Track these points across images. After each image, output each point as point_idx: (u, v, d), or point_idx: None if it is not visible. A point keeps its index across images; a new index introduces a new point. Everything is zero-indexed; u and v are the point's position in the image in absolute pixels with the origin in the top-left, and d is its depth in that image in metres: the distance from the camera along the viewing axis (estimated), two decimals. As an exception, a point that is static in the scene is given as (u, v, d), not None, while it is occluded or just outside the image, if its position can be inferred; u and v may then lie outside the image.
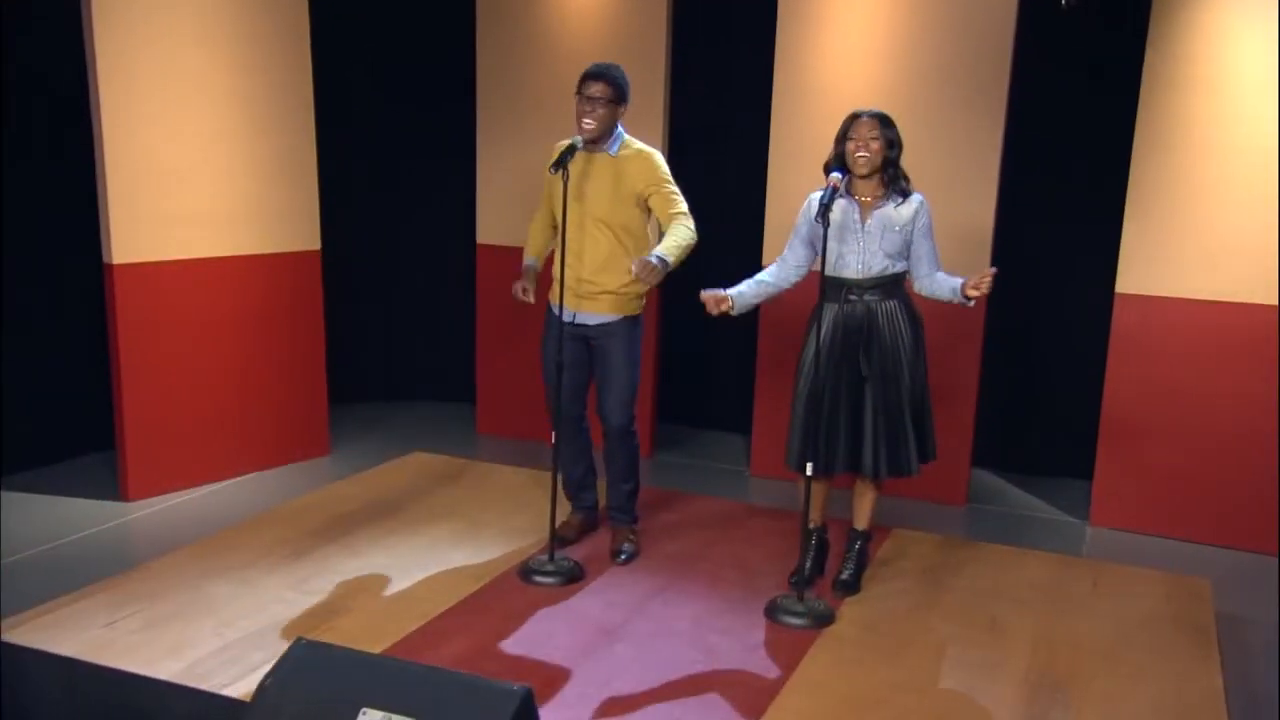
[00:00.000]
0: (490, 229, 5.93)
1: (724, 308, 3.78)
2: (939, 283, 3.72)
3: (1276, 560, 4.58)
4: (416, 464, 5.20)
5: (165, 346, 4.85)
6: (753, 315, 5.48)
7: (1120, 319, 4.84)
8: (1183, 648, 3.60)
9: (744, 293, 3.84)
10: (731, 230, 5.60)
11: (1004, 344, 5.39)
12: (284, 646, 3.35)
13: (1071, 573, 4.19)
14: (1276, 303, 4.55)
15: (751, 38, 5.55)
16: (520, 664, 3.35)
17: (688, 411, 6.26)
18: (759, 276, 3.91)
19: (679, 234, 3.83)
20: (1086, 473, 5.12)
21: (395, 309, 6.72)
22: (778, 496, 5.06)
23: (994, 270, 3.61)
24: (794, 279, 3.89)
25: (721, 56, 5.88)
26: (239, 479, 5.20)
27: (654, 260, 3.67)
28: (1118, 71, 4.85)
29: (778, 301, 5.22)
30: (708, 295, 3.77)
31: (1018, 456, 5.61)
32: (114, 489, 4.87)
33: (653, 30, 5.40)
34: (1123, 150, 4.75)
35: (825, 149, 5.00)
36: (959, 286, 3.64)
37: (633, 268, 3.69)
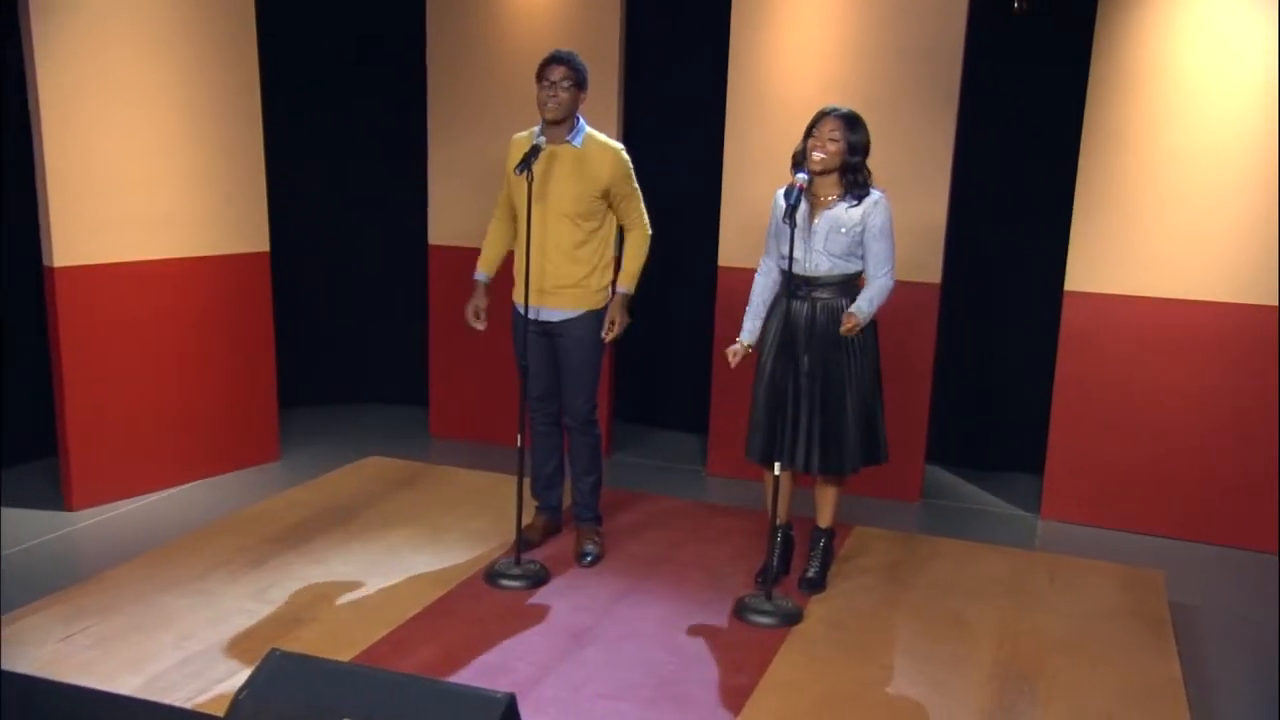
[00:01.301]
0: (442, 229, 5.87)
1: (744, 353, 3.86)
2: (863, 291, 3.73)
3: (1233, 551, 4.72)
4: (372, 468, 5.12)
5: (109, 351, 4.72)
6: (708, 315, 5.52)
7: (1069, 316, 4.94)
8: (1140, 637, 3.68)
9: (754, 329, 3.90)
10: (686, 228, 5.62)
11: (955, 341, 5.47)
12: (247, 658, 3.30)
13: (1029, 566, 4.26)
14: (1221, 300, 4.68)
15: (705, 35, 5.56)
16: (492, 670, 3.31)
17: (642, 411, 6.26)
18: (754, 298, 3.93)
19: (639, 252, 4.02)
20: (1037, 467, 5.22)
21: (345, 311, 6.62)
22: (736, 495, 5.08)
23: (850, 326, 3.58)
24: (780, 279, 3.88)
25: (675, 54, 5.88)
26: (187, 486, 5.07)
27: (620, 315, 3.97)
28: (1067, 72, 4.94)
29: (732, 301, 5.27)
30: (732, 357, 3.86)
31: (969, 452, 5.70)
32: (57, 498, 4.73)
33: (606, 28, 5.39)
34: (1073, 150, 4.84)
35: (780, 146, 5.04)
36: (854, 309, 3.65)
37: (607, 331, 3.92)
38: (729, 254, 5.37)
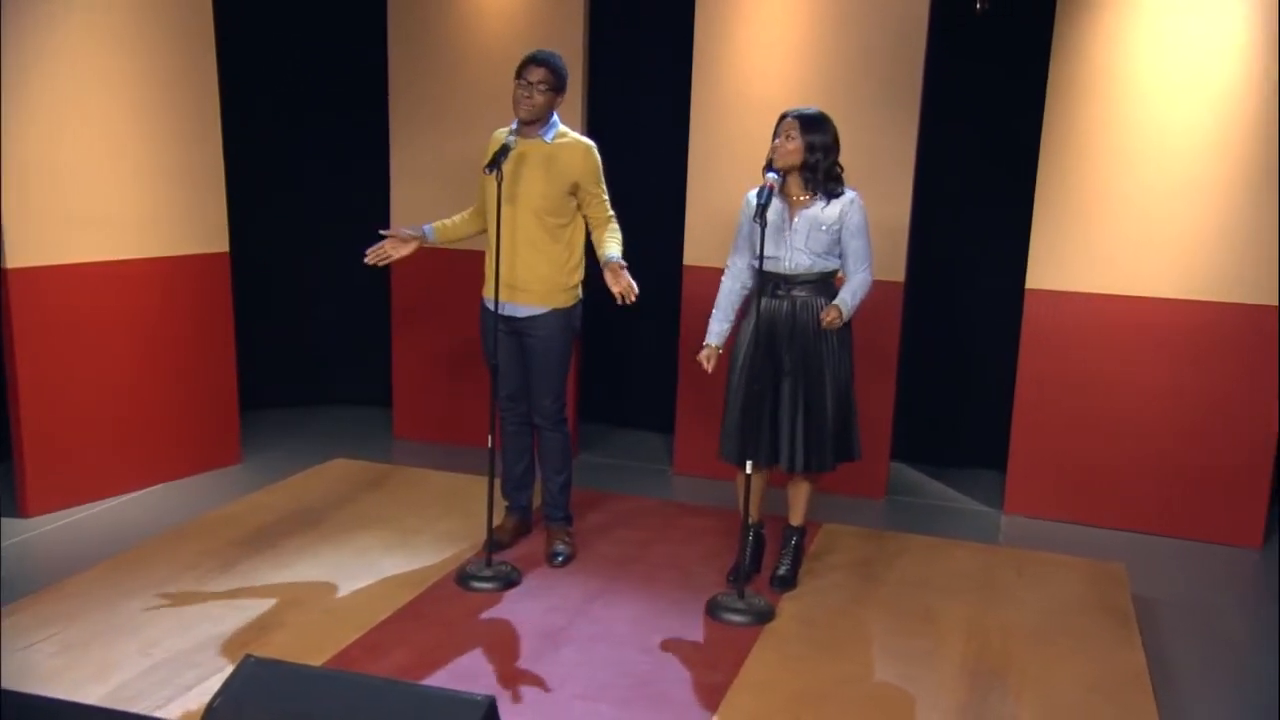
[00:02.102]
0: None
1: (716, 356, 3.87)
2: (844, 287, 3.76)
3: (1191, 544, 4.81)
4: (338, 470, 5.07)
5: (65, 354, 4.62)
6: (673, 314, 5.52)
7: (1031, 314, 5.00)
8: (1106, 630, 3.74)
9: (721, 330, 3.90)
10: (651, 227, 5.61)
11: (918, 339, 5.52)
12: (216, 665, 3.25)
13: (996, 561, 4.31)
14: (1179, 297, 4.77)
15: (669, 34, 5.55)
16: (467, 672, 3.29)
17: (607, 410, 6.25)
18: (721, 300, 3.93)
19: (615, 231, 3.97)
20: (999, 463, 5.28)
21: (305, 312, 6.54)
22: (704, 494, 5.09)
23: (834, 316, 3.62)
24: (750, 281, 3.89)
25: (639, 52, 5.88)
26: (146, 490, 4.98)
27: (618, 263, 3.81)
28: (1029, 72, 4.99)
29: (697, 299, 5.28)
30: (705, 362, 3.85)
31: (933, 449, 5.75)
32: (12, 504, 4.61)
33: (569, 26, 5.37)
34: (1034, 150, 4.90)
35: (744, 144, 5.10)
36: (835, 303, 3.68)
37: (613, 281, 3.77)
38: (694, 253, 5.38)
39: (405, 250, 4.00)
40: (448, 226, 4.11)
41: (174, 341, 5.08)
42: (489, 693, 2.48)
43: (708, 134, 5.26)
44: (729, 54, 5.19)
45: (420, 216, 5.72)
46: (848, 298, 3.69)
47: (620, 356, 6.21)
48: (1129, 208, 4.79)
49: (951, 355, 5.71)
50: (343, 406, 6.52)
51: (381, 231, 4.00)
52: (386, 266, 5.86)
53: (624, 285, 3.73)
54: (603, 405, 6.23)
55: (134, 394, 4.92)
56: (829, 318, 3.61)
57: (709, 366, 3.87)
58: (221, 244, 5.27)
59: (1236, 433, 4.76)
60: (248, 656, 2.60)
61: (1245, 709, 3.47)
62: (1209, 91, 4.61)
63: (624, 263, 3.82)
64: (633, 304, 3.73)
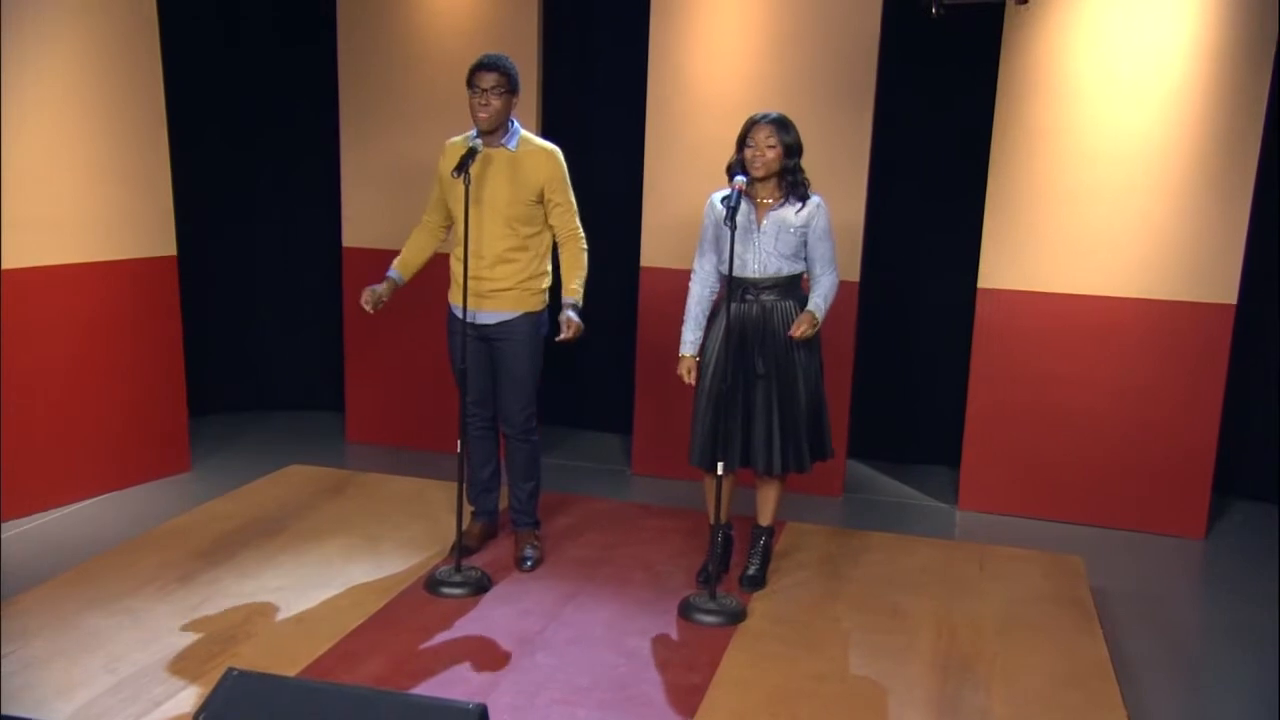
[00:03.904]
0: (356, 232, 5.74)
1: (695, 362, 3.87)
2: (812, 292, 3.80)
3: (1138, 535, 4.94)
4: (295, 477, 4.98)
5: (7, 361, 4.47)
6: (630, 315, 5.53)
7: (982, 312, 5.10)
8: (1067, 621, 3.83)
9: (695, 339, 3.90)
10: (608, 229, 5.60)
11: (872, 337, 5.60)
12: (185, 679, 3.18)
13: (958, 556, 4.39)
14: (1125, 295, 4.90)
15: (624, 34, 5.56)
16: (445, 680, 3.26)
17: (563, 412, 6.23)
18: (691, 308, 3.92)
19: (577, 264, 3.95)
20: (952, 459, 5.39)
21: (251, 316, 6.43)
22: (664, 494, 5.11)
23: (807, 327, 3.67)
24: (717, 285, 3.90)
25: (594, 53, 5.88)
26: (92, 500, 4.86)
27: (574, 317, 3.84)
28: (979, 75, 5.09)
29: (654, 301, 5.30)
30: (687, 375, 3.85)
31: (887, 446, 5.84)
32: (-48, 518, 4.48)
33: (524, 26, 5.34)
34: (985, 151, 5.00)
35: (702, 145, 5.12)
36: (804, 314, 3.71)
37: (563, 331, 3.80)
38: (651, 254, 5.39)
39: (388, 298, 3.94)
40: (408, 261, 4.04)
41: (121, 347, 4.96)
42: (468, 700, 2.44)
43: (664, 136, 5.27)
44: (684, 55, 5.20)
45: (371, 220, 5.67)
46: (820, 302, 3.72)
47: (577, 358, 6.18)
48: (1077, 208, 4.91)
49: (905, 353, 5.81)
50: (292, 411, 6.42)
51: (363, 304, 3.90)
52: (333, 271, 5.85)
53: (567, 338, 3.81)
54: (560, 407, 6.20)
55: (80, 402, 4.79)
56: (800, 330, 3.64)
57: (690, 379, 3.86)
58: (169, 247, 5.15)
59: (1180, 428, 4.91)
60: (230, 669, 2.55)
61: (1200, 695, 3.58)
62: (1153, 94, 4.74)
63: (578, 320, 3.84)
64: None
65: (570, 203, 3.93)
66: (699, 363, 3.87)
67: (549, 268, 4.00)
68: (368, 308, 3.90)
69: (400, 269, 4.04)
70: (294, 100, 6.16)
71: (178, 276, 5.19)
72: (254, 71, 6.15)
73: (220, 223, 6.15)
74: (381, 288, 3.94)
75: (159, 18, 4.94)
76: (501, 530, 4.33)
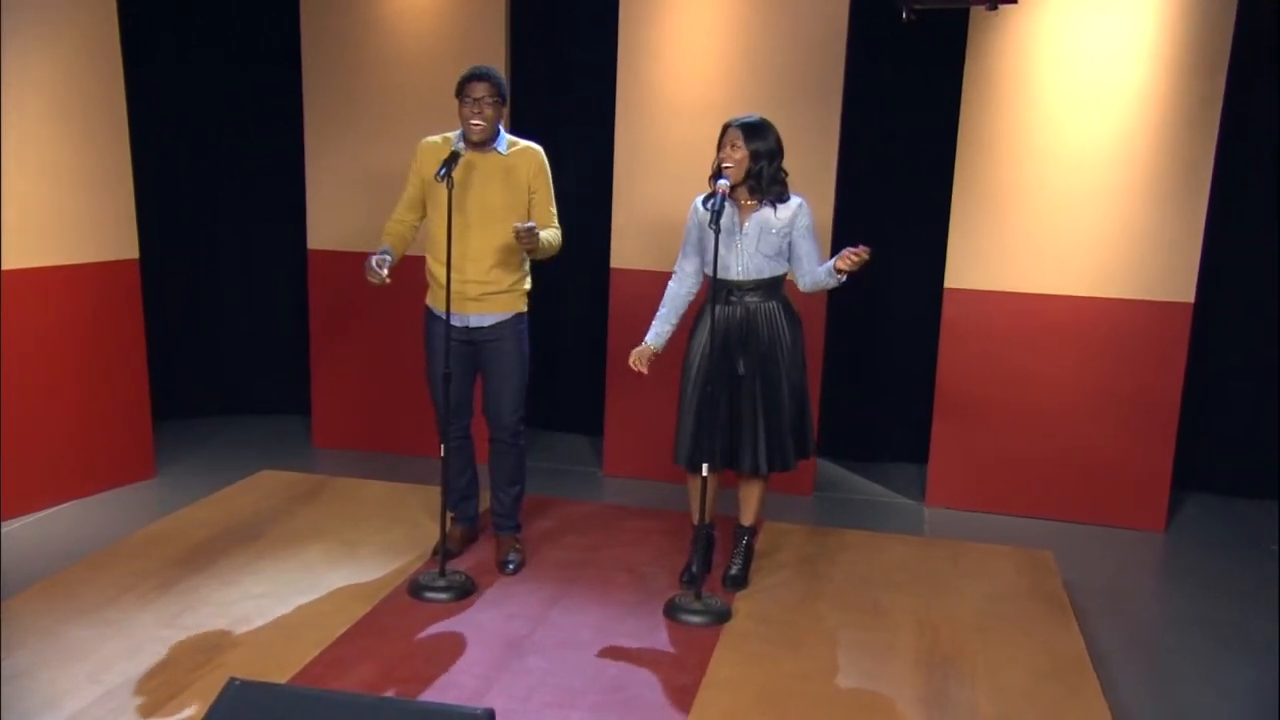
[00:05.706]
0: (322, 235, 5.68)
1: (651, 357, 3.88)
2: (819, 274, 3.79)
3: (1103, 529, 5.06)
4: (267, 482, 4.92)
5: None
6: (600, 316, 5.54)
7: (949, 312, 5.19)
8: (1043, 616, 3.91)
9: (661, 332, 3.92)
10: (577, 230, 5.60)
11: (839, 337, 5.67)
12: (171, 689, 3.15)
13: (933, 553, 4.46)
14: (1089, 294, 5.02)
15: (593, 34, 5.56)
16: (436, 685, 3.25)
17: (533, 414, 6.19)
18: (666, 302, 3.94)
19: (551, 233, 3.88)
20: (919, 457, 5.47)
21: (214, 319, 6.33)
22: (636, 495, 5.13)
23: (865, 249, 3.59)
24: (696, 287, 3.94)
25: (563, 53, 5.87)
26: (56, 509, 4.76)
27: (534, 226, 3.69)
28: (945, 76, 5.17)
29: (624, 302, 5.31)
30: (635, 363, 3.86)
31: (854, 444, 5.91)
32: (-86, 529, 4.36)
33: (491, 27, 5.32)
34: (951, 152, 5.08)
35: (671, 146, 5.15)
36: (832, 266, 3.69)
37: (515, 224, 3.64)
38: (621, 255, 5.41)
39: (391, 263, 3.78)
40: (399, 237, 3.92)
41: (83, 351, 4.87)
42: (461, 704, 2.44)
43: (633, 137, 5.29)
44: (653, 56, 5.22)
45: (337, 222, 5.62)
46: (829, 263, 3.70)
47: (547, 360, 6.17)
48: (1040, 210, 5.01)
49: (872, 352, 5.88)
50: (256, 415, 6.34)
51: (375, 271, 3.70)
52: (296, 274, 5.77)
53: (524, 232, 3.63)
54: (530, 408, 6.17)
55: (41, 407, 4.69)
56: (849, 261, 3.58)
57: (642, 367, 3.86)
58: (131, 250, 5.07)
59: (1141, 423, 5.03)
60: (232, 679, 2.51)
61: (1172, 685, 3.68)
62: (1113, 99, 4.86)
63: (538, 236, 3.70)
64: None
65: (550, 195, 3.94)
66: (678, 364, 3.89)
67: (529, 268, 4.00)
68: (381, 271, 3.69)
69: (394, 247, 3.86)
70: (258, 102, 6.08)
71: (140, 280, 5.10)
72: (217, 74, 6.07)
73: (184, 226, 6.06)
74: (382, 264, 3.73)
75: (121, 19, 4.86)
76: (481, 533, 4.32)
